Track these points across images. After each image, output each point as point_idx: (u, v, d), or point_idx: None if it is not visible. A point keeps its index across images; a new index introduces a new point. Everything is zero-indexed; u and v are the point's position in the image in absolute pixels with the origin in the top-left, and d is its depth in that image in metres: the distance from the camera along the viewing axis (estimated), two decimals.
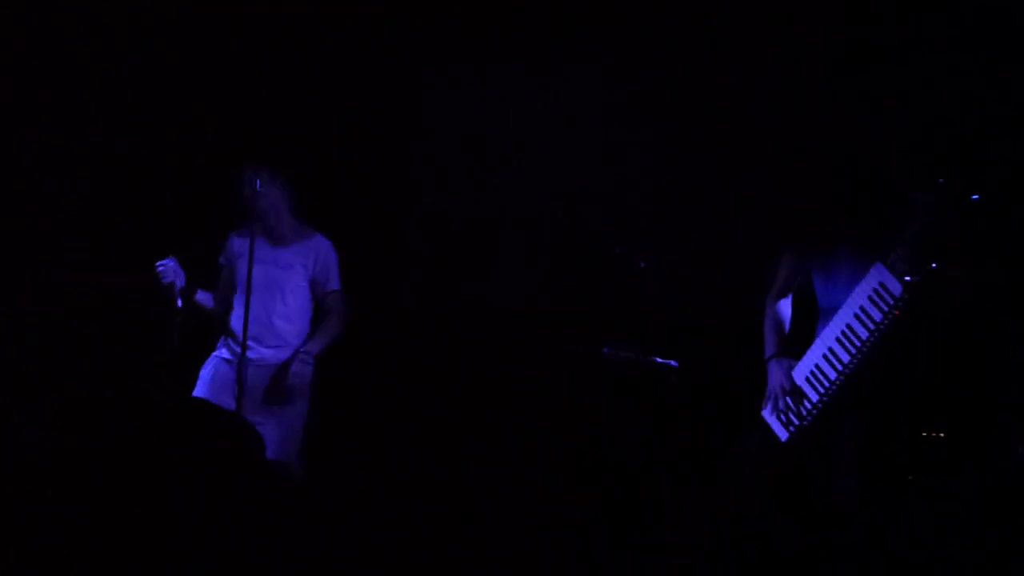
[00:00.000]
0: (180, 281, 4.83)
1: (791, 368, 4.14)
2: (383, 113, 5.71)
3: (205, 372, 5.00)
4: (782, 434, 4.13)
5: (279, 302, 4.95)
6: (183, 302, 4.82)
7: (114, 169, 5.64)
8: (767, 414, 4.19)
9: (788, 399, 4.09)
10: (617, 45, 5.52)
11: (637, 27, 5.45)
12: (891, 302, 3.84)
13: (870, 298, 3.89)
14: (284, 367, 4.89)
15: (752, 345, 4.42)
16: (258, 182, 4.78)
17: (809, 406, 4.04)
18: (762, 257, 4.60)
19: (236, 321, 4.91)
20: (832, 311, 4.05)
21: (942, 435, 4.64)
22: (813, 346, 4.09)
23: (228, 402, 4.76)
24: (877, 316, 3.87)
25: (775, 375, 4.17)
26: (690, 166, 5.52)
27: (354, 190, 5.69)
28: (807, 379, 4.07)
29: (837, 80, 5.11)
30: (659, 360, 4.87)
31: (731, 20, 5.36)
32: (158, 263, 4.80)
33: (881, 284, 3.86)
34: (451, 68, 5.75)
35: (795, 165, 4.47)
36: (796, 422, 4.08)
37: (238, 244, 5.01)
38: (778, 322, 4.35)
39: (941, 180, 3.81)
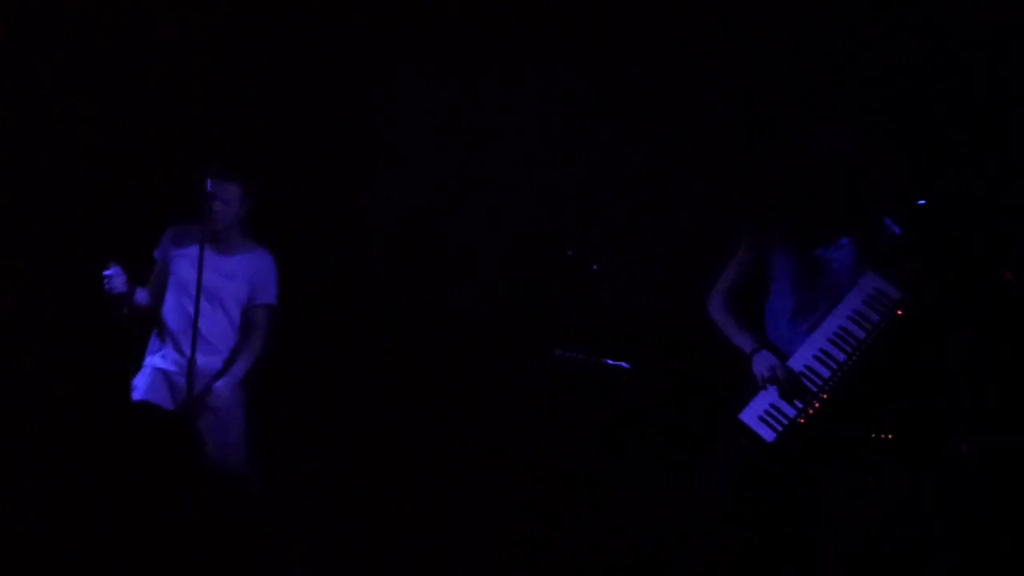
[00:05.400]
0: (124, 287, 4.61)
1: (780, 362, 3.97)
2: (340, 116, 5.64)
3: (140, 382, 4.76)
4: (767, 435, 3.97)
5: (218, 311, 4.76)
6: (128, 310, 4.65)
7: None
8: (747, 417, 4.02)
9: (788, 384, 3.93)
10: (575, 47, 5.52)
11: (595, 29, 5.47)
12: (889, 304, 3.93)
13: (865, 302, 3.95)
14: (207, 388, 4.70)
15: (704, 348, 4.37)
16: (209, 183, 4.59)
17: (815, 388, 3.92)
18: (716, 261, 4.62)
19: (170, 319, 4.75)
20: (801, 314, 4.06)
21: (890, 436, 4.83)
22: (801, 348, 3.99)
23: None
24: (875, 318, 3.93)
25: (764, 364, 3.98)
26: (644, 169, 5.57)
27: (311, 193, 5.61)
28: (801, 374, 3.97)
29: (809, 85, 5.26)
30: (611, 362, 4.89)
31: (692, 19, 5.42)
32: (104, 272, 4.54)
33: (876, 290, 3.95)
34: (409, 71, 5.71)
35: (761, 168, 4.50)
36: (796, 409, 3.93)
37: (177, 241, 4.80)
38: (737, 318, 4.15)
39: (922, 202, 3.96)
